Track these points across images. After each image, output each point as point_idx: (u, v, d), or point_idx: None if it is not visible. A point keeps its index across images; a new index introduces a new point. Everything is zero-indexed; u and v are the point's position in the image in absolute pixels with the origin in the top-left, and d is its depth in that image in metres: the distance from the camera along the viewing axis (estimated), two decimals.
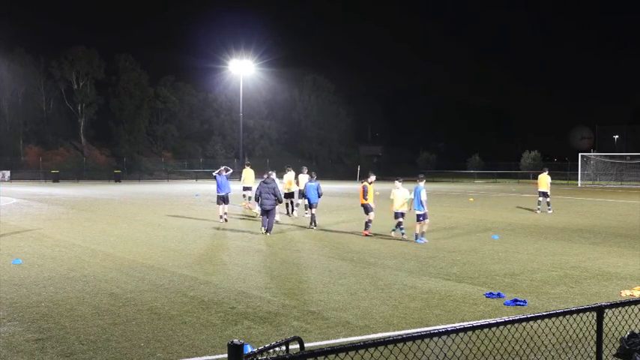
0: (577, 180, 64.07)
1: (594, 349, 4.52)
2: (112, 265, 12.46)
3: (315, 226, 19.43)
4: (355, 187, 45.11)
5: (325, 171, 76.07)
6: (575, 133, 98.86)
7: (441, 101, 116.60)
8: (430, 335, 3.55)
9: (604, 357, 4.55)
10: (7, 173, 61.73)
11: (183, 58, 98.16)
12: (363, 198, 17.69)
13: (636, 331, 5.51)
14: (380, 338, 3.43)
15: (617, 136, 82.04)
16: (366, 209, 17.69)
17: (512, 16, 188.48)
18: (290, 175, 24.39)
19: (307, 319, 8.45)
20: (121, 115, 79.21)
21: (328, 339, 7.53)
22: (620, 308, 4.72)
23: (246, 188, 26.68)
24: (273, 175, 18.92)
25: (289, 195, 23.97)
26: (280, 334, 7.70)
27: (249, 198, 25.85)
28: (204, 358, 6.84)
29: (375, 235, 17.45)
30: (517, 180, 71.47)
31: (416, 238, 16.26)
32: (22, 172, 65.90)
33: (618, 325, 5.41)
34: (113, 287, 10.36)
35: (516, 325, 4.11)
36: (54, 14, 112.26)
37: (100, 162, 77.49)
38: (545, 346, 6.68)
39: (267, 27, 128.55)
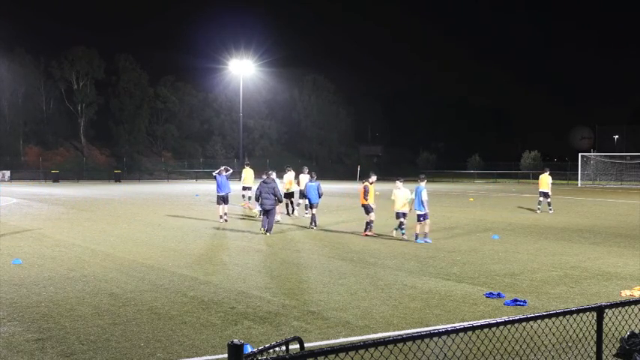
0: (577, 180, 64.08)
1: (594, 349, 4.53)
2: (112, 265, 12.46)
3: (316, 226, 19.43)
4: (355, 187, 45.13)
5: (325, 171, 76.03)
6: (575, 133, 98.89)
7: (440, 101, 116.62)
8: (430, 335, 3.55)
9: (604, 357, 4.55)
10: (7, 173, 61.73)
11: (183, 58, 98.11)
12: (364, 198, 17.64)
13: (636, 331, 5.51)
14: (380, 338, 3.43)
15: (617, 136, 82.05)
16: (367, 210, 17.66)
17: (512, 16, 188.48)
18: (290, 175, 24.40)
19: (307, 319, 8.45)
20: (121, 115, 79.27)
21: (328, 339, 7.53)
22: (620, 308, 4.72)
23: (245, 188, 26.70)
24: (273, 175, 18.93)
25: (289, 195, 23.99)
26: (280, 334, 7.70)
27: (249, 198, 25.87)
28: (204, 358, 6.84)
29: (377, 235, 17.47)
30: (517, 180, 71.46)
31: (416, 238, 16.25)
32: (22, 172, 65.92)
33: (618, 325, 5.41)
34: (113, 287, 10.36)
35: (516, 325, 4.11)
36: (54, 14, 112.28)
37: (100, 162, 77.52)
38: (545, 346, 6.68)
39: (267, 27, 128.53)
